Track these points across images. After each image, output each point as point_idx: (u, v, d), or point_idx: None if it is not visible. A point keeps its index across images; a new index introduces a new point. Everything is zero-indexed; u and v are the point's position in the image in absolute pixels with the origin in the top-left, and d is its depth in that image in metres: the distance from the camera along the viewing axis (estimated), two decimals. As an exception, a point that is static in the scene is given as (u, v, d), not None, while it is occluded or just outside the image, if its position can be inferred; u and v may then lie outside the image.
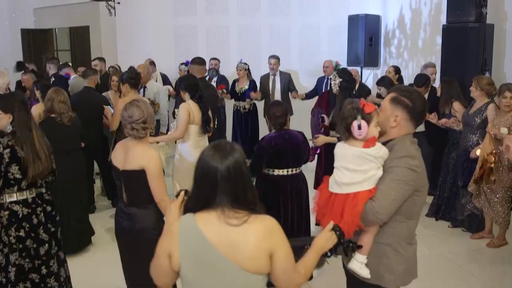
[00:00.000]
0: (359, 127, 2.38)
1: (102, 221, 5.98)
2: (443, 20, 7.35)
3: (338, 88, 5.08)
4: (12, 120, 3.32)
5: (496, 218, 5.10)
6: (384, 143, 2.52)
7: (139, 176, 3.18)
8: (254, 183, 4.33)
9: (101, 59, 8.49)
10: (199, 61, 6.48)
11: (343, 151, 2.49)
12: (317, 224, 4.50)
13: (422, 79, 6.41)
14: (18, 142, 3.30)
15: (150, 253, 2.06)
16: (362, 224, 2.40)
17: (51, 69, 7.89)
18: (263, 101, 8.25)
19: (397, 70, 7.45)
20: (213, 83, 8.07)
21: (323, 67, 8.32)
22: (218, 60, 8.69)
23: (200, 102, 5.19)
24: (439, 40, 7.57)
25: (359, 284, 2.62)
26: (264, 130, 7.37)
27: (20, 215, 3.36)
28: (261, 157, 4.18)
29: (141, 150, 3.25)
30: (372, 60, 9.57)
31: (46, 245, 3.48)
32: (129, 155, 3.25)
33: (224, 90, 8.04)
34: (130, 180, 3.24)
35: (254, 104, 8.24)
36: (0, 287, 3.39)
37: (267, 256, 1.88)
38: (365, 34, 9.41)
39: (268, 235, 1.89)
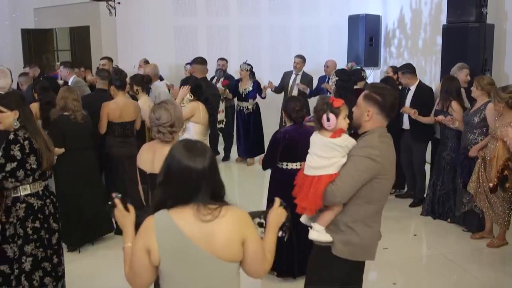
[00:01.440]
0: (328, 119, 2.76)
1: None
2: (443, 20, 7.35)
3: (334, 86, 5.23)
4: (19, 116, 3.42)
5: (496, 218, 5.09)
6: (361, 135, 2.88)
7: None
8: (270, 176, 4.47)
9: (110, 59, 8.26)
10: (201, 60, 6.51)
11: (315, 139, 2.87)
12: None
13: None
14: (32, 135, 3.44)
15: None
16: (323, 204, 2.77)
17: (69, 74, 7.62)
18: (264, 101, 8.35)
19: (395, 70, 7.47)
20: (219, 83, 8.14)
21: (324, 66, 8.33)
22: (226, 61, 8.73)
23: (206, 103, 5.21)
24: (439, 40, 7.58)
25: (318, 251, 2.96)
26: (267, 130, 7.66)
27: (36, 207, 3.50)
28: (275, 150, 4.26)
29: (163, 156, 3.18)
30: (372, 60, 9.58)
31: (57, 234, 3.65)
32: (156, 158, 3.16)
33: (227, 88, 8.10)
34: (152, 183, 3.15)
35: (257, 104, 8.34)
36: (8, 278, 3.47)
37: (239, 244, 2.02)
38: (366, 34, 9.42)
39: (239, 225, 2.02)
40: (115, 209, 2.24)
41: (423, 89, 6.34)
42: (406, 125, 6.33)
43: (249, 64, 8.16)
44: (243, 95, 8.16)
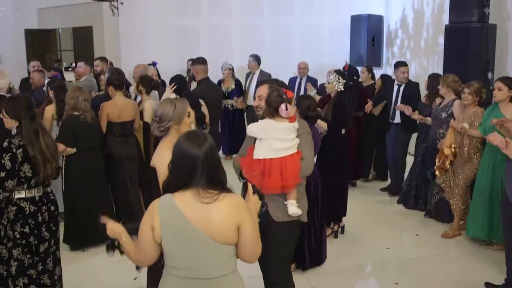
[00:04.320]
0: (287, 108, 3.18)
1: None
2: (445, 20, 7.35)
3: (342, 88, 5.35)
4: (19, 125, 3.46)
5: (454, 208, 5.41)
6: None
7: (155, 174, 3.19)
8: None
9: (103, 59, 8.28)
10: (203, 61, 6.52)
11: (271, 126, 3.22)
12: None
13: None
14: (28, 143, 3.43)
15: None
16: (300, 178, 3.24)
17: (85, 71, 7.61)
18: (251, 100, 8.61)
19: (369, 69, 7.77)
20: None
21: (299, 68, 8.48)
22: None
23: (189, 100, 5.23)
24: (441, 40, 7.58)
25: (287, 227, 3.31)
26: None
27: (27, 211, 3.49)
28: None
29: (159, 149, 3.22)
30: (374, 60, 9.57)
31: (46, 243, 3.59)
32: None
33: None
34: (153, 176, 3.24)
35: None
36: (1, 280, 3.52)
37: (235, 228, 2.20)
38: (368, 34, 9.43)
39: (235, 210, 2.20)
40: (107, 225, 2.42)
41: (411, 84, 6.75)
42: (397, 119, 6.72)
43: (230, 64, 8.60)
44: (226, 94, 8.60)
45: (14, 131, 3.49)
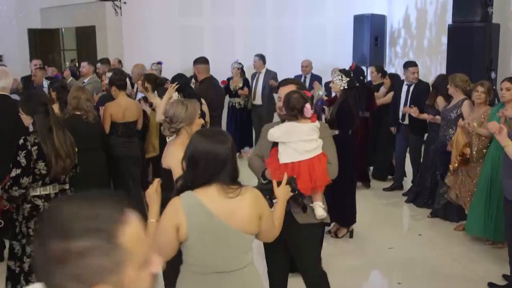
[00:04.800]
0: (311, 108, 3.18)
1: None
2: (448, 19, 7.34)
3: (346, 86, 5.33)
4: (33, 122, 3.51)
5: (466, 206, 5.35)
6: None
7: (169, 175, 3.17)
8: None
9: (104, 61, 8.24)
10: (204, 60, 6.51)
11: (296, 128, 3.19)
12: None
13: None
14: (42, 140, 3.47)
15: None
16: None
17: (89, 71, 7.75)
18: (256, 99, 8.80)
19: (379, 69, 7.77)
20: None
21: (302, 66, 8.60)
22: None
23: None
24: (444, 39, 7.57)
25: (313, 231, 3.31)
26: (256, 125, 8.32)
27: (41, 209, 3.50)
28: None
29: (171, 151, 3.23)
30: (377, 60, 9.55)
31: None
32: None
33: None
34: (164, 177, 3.20)
35: (247, 101, 8.83)
36: (13, 276, 3.56)
37: (258, 219, 2.33)
38: (371, 34, 9.42)
39: (256, 202, 2.33)
40: (150, 186, 2.44)
41: (422, 84, 6.65)
42: (407, 120, 6.66)
43: (240, 63, 8.66)
44: (234, 92, 8.67)
45: (31, 128, 3.53)
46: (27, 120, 3.55)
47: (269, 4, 10.33)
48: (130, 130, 5.52)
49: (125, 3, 10.12)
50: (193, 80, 7.32)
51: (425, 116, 6.08)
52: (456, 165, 5.22)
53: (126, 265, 1.01)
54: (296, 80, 3.71)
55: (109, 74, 6.11)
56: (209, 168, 2.25)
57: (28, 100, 3.67)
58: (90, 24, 12.29)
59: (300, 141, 3.17)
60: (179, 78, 5.41)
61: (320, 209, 3.22)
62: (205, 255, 2.27)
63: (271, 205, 2.57)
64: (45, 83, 7.21)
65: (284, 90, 3.37)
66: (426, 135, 6.60)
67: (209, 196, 2.24)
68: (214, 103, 5.93)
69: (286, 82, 3.51)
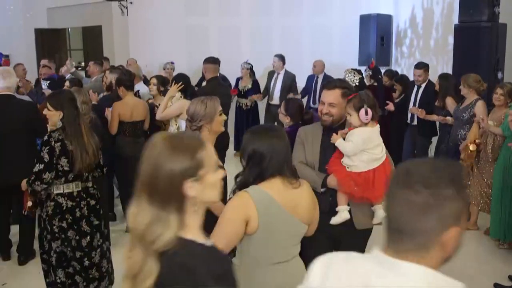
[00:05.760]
0: (367, 113, 2.93)
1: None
2: (455, 19, 7.31)
3: (357, 83, 5.39)
4: (63, 116, 3.55)
5: (471, 205, 5.40)
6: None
7: None
8: None
9: (95, 63, 8.17)
10: (213, 60, 6.56)
11: (371, 134, 3.00)
12: None
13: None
14: (68, 137, 3.51)
15: None
16: None
17: (97, 71, 7.77)
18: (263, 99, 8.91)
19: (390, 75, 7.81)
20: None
21: (312, 66, 8.72)
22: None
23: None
24: (451, 39, 7.54)
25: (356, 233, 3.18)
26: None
27: (64, 207, 3.58)
28: None
29: None
30: (383, 59, 9.53)
31: (88, 237, 3.67)
32: None
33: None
34: None
35: (256, 101, 8.86)
36: (48, 265, 3.68)
37: (314, 209, 2.50)
38: (377, 33, 9.39)
39: (312, 194, 2.51)
40: None
41: (431, 86, 6.62)
42: (415, 121, 6.67)
43: (249, 64, 8.70)
44: (242, 92, 8.72)
45: (58, 124, 3.57)
46: (55, 116, 3.58)
47: (276, 4, 10.32)
48: (137, 129, 5.54)
49: (131, 3, 10.15)
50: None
51: (434, 117, 6.07)
52: (461, 158, 5.27)
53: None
54: (343, 82, 3.39)
55: (111, 76, 6.09)
56: (275, 161, 2.34)
57: (58, 95, 3.70)
58: (97, 24, 12.34)
59: (377, 146, 3.04)
60: (182, 78, 5.45)
61: (381, 211, 3.06)
62: (269, 247, 2.35)
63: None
64: (44, 84, 7.27)
65: (329, 94, 3.12)
66: (434, 137, 6.63)
67: (275, 189, 2.34)
68: (220, 103, 5.95)
69: (332, 85, 3.19)
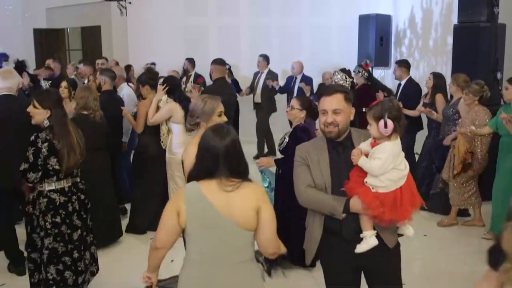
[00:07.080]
0: (386, 125, 2.61)
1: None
2: (454, 19, 7.31)
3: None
4: (50, 115, 3.58)
5: (452, 199, 5.64)
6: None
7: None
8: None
9: (87, 63, 8.04)
10: (220, 61, 6.64)
11: (397, 149, 2.69)
12: None
13: None
14: (56, 136, 3.54)
15: None
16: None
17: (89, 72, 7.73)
18: (244, 97, 9.08)
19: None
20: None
21: (291, 67, 8.81)
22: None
23: (181, 101, 5.29)
24: (450, 40, 7.54)
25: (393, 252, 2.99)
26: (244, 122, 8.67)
27: (58, 202, 3.63)
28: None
29: (188, 144, 3.34)
30: (382, 60, 9.55)
31: (79, 230, 3.75)
32: None
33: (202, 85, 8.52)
34: None
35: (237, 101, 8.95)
36: (36, 265, 3.74)
37: (254, 213, 2.36)
38: (376, 34, 9.39)
39: (254, 196, 2.38)
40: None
41: (412, 84, 6.97)
42: None
43: (227, 64, 8.56)
44: None
45: (45, 123, 3.59)
46: (41, 115, 3.61)
47: (275, 4, 10.32)
48: (159, 129, 5.52)
49: (130, 3, 10.15)
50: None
51: (421, 109, 6.26)
52: (457, 172, 5.41)
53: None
54: (342, 86, 3.08)
55: (103, 77, 6.04)
56: (205, 163, 2.38)
57: (45, 95, 3.74)
58: (96, 24, 12.35)
59: (401, 162, 2.71)
60: (171, 80, 5.47)
61: (411, 228, 2.85)
62: (202, 244, 2.37)
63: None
64: (45, 84, 7.26)
65: (331, 100, 2.74)
66: (418, 134, 6.81)
67: (209, 187, 2.35)
68: (226, 103, 5.97)
69: (332, 90, 2.82)
